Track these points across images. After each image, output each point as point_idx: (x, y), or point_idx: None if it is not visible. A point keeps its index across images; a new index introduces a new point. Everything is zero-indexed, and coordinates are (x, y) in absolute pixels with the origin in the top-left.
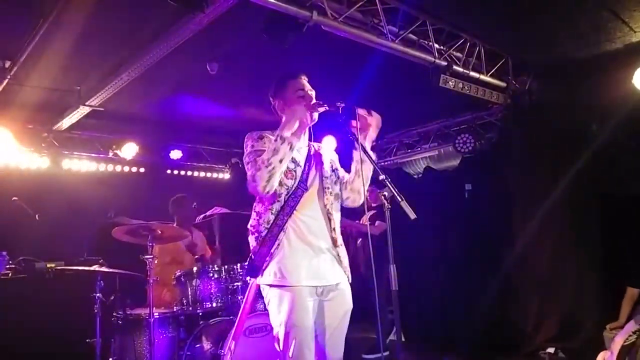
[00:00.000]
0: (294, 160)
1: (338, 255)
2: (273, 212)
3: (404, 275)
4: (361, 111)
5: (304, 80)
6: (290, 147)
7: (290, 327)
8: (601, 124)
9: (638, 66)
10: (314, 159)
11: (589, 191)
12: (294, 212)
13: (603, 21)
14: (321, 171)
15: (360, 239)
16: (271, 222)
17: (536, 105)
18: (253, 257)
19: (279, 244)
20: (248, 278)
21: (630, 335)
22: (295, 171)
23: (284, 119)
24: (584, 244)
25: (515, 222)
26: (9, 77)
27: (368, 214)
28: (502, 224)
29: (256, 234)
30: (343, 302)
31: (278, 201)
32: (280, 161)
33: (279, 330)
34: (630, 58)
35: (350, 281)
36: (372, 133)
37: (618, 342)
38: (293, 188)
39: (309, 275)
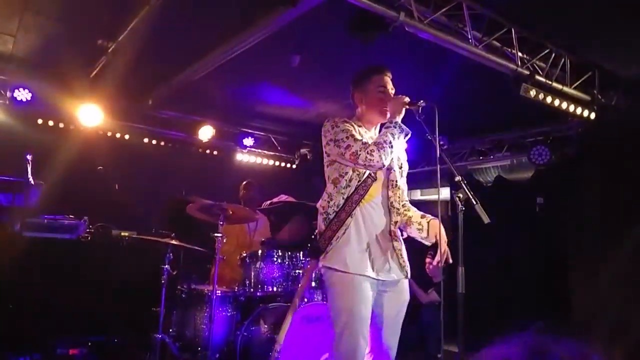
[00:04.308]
0: None
1: (394, 248)
2: (344, 196)
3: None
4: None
5: (388, 77)
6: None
7: (347, 314)
8: None
9: None
10: None
11: None
12: (362, 200)
13: None
14: (390, 164)
15: None
16: (340, 206)
17: (622, 122)
18: (318, 238)
19: (345, 230)
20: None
21: None
22: None
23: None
24: None
25: (586, 243)
26: (108, 55)
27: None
28: (571, 242)
29: (324, 215)
30: (401, 294)
31: (349, 186)
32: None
33: (336, 314)
34: None
35: (409, 276)
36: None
37: None
38: (364, 176)
39: (373, 267)
